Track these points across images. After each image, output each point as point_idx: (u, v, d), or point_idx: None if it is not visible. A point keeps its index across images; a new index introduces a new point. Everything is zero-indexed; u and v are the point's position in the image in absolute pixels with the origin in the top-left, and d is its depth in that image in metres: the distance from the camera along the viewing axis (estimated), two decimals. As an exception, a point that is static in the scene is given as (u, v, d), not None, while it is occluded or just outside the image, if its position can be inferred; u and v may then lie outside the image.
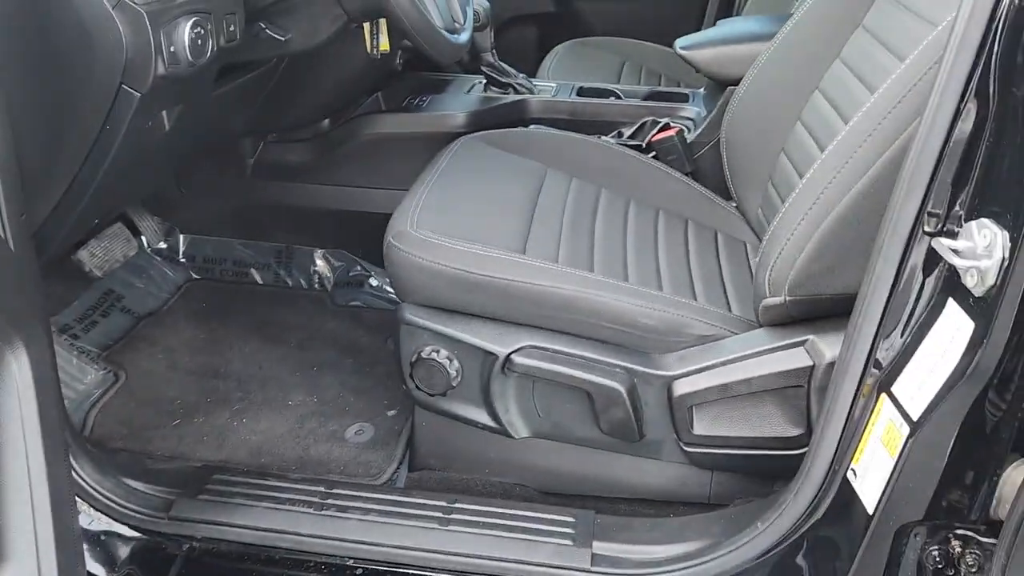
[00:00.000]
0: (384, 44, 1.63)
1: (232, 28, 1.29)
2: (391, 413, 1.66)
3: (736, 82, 1.75)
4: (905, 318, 1.03)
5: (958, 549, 1.06)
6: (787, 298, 1.22)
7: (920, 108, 1.07)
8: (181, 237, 2.09)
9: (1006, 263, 0.89)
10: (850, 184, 1.14)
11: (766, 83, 1.67)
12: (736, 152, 1.73)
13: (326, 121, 1.97)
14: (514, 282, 1.31)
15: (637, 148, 1.86)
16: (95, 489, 1.30)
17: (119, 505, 1.30)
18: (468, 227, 1.41)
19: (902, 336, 1.04)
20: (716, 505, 1.39)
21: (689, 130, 1.91)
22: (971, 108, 0.93)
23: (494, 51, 2.02)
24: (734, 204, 1.76)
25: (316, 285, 2.05)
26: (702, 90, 2.10)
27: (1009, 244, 0.89)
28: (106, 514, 1.30)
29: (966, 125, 0.94)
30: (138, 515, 1.30)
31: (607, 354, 1.32)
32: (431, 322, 1.35)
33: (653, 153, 1.85)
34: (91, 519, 1.30)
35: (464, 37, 1.57)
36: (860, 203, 1.14)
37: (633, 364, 1.31)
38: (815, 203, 1.17)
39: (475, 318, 1.35)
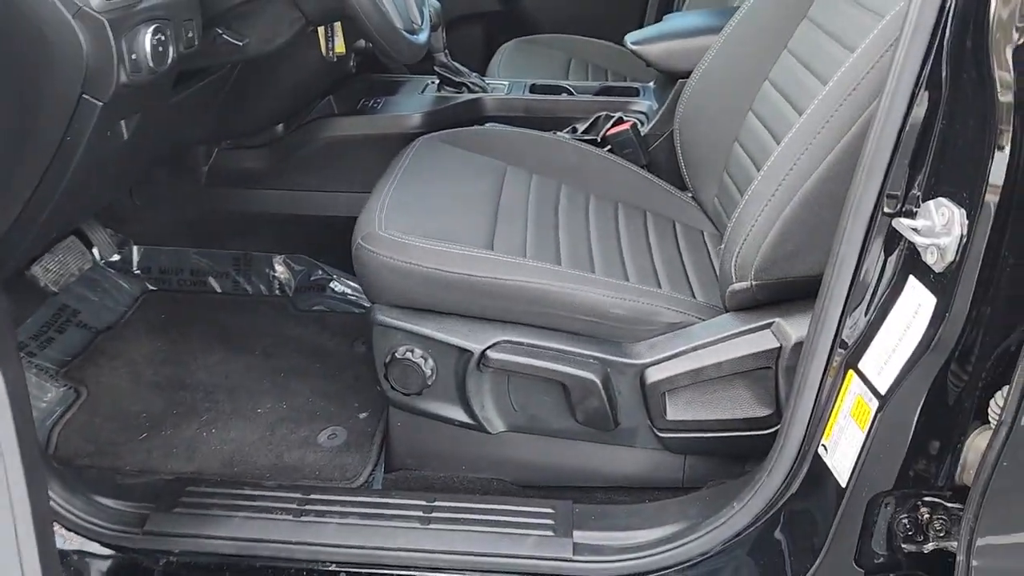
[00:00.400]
0: (339, 46, 1.63)
1: (190, 34, 1.28)
2: (363, 415, 1.66)
3: (686, 75, 1.78)
4: (869, 296, 1.08)
5: (926, 516, 1.11)
6: (753, 283, 1.25)
7: (874, 94, 1.12)
8: (135, 248, 2.05)
9: (964, 239, 0.94)
10: (811, 170, 1.18)
11: (717, 75, 1.71)
12: (690, 143, 1.77)
13: (280, 126, 1.95)
14: (485, 278, 1.32)
15: (592, 143, 1.88)
16: (65, 508, 1.28)
17: (91, 523, 1.28)
18: (435, 226, 1.42)
19: (867, 314, 1.08)
20: (690, 488, 1.42)
21: (642, 123, 1.94)
22: (925, 93, 0.98)
23: (447, 51, 2.02)
24: (690, 194, 1.80)
25: (276, 291, 2.03)
26: (652, 84, 2.14)
27: (967, 221, 0.94)
28: (78, 533, 1.28)
29: (921, 109, 0.98)
30: (111, 532, 1.27)
31: (580, 345, 1.34)
32: (404, 322, 1.36)
33: (608, 147, 1.88)
34: (63, 539, 1.27)
35: (423, 37, 1.57)
36: (821, 188, 1.18)
37: (606, 354, 1.33)
38: (777, 189, 1.21)
39: (448, 316, 1.36)
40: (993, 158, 0.91)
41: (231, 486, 1.40)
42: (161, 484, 1.39)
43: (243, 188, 1.96)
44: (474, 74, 2.08)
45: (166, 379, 1.76)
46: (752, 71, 1.62)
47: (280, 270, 2.02)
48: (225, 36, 1.38)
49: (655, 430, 1.36)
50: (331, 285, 2.01)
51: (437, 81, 2.07)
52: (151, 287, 2.04)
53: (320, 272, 2.03)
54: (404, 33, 1.44)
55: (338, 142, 1.93)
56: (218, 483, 1.44)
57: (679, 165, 1.79)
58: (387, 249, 1.34)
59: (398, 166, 1.65)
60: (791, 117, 1.43)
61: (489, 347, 1.33)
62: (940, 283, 0.98)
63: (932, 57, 0.96)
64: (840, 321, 1.10)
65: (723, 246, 1.31)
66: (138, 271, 2.04)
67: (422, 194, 1.54)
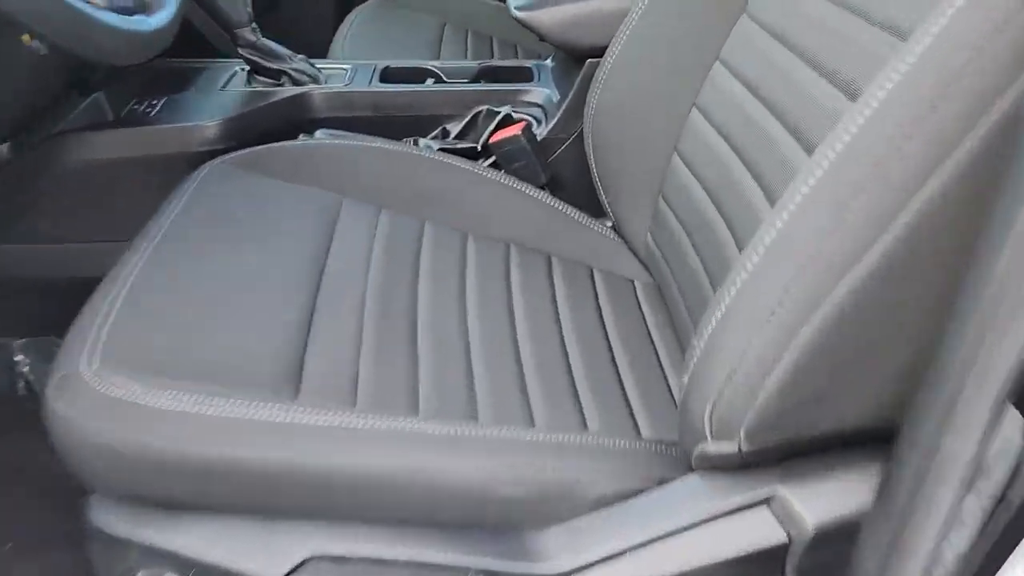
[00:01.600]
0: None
1: None
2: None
3: (598, 53, 1.25)
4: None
5: None
6: (743, 447, 0.72)
7: (984, 95, 0.59)
8: None
9: None
10: (854, 256, 0.63)
11: (642, 53, 1.18)
12: (608, 152, 1.24)
13: (3, 146, 1.32)
14: (276, 460, 0.75)
15: (470, 154, 1.33)
16: None
17: None
18: (200, 346, 0.84)
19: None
20: None
21: (539, 122, 1.40)
22: None
23: (254, 25, 1.41)
24: (610, 223, 1.27)
25: (21, 390, 1.42)
26: (549, 61, 1.59)
27: None
28: None
29: None
30: None
31: (449, 547, 0.78)
32: (143, 528, 0.78)
33: (492, 159, 1.33)
34: None
35: (159, 19, 0.95)
36: (870, 288, 0.64)
37: (494, 559, 0.78)
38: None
39: (220, 518, 0.78)
40: None
41: None
42: None
43: (-45, 242, 1.34)
44: (299, 56, 1.47)
45: None
46: (694, 47, 1.11)
47: (21, 360, 1.40)
48: None
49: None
50: (100, 378, 1.41)
51: (246, 68, 1.46)
52: None
53: (82, 360, 1.42)
54: (96, 14, 0.82)
55: (94, 169, 1.30)
56: None
57: (594, 183, 1.26)
58: (97, 413, 0.75)
59: (164, 215, 1.06)
60: (758, 113, 0.92)
61: (293, 570, 0.76)
62: None
63: None
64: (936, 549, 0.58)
65: (686, 377, 0.75)
66: None
67: (189, 271, 0.95)
